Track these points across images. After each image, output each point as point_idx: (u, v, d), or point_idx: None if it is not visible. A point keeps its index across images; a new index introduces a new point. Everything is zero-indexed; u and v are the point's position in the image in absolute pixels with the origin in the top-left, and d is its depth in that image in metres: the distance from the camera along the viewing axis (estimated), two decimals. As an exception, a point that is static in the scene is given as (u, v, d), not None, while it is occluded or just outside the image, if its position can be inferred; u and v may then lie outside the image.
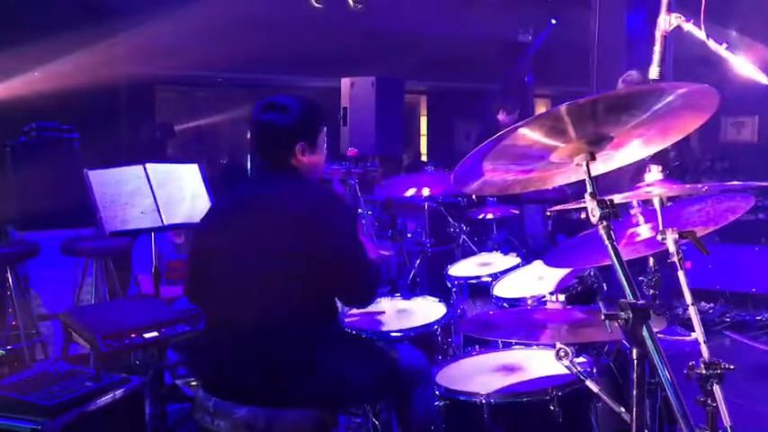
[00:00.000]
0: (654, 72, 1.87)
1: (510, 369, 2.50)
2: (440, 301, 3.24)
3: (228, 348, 2.22)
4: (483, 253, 4.18)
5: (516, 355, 2.65)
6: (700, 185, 2.20)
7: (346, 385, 2.20)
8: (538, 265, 3.43)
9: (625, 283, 1.37)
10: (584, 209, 1.46)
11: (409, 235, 5.48)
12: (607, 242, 1.41)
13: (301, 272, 2.15)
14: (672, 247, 1.82)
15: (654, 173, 1.99)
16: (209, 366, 2.30)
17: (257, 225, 2.24)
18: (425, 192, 4.09)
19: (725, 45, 1.81)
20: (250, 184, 2.44)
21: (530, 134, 1.44)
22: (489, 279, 3.46)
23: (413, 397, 2.41)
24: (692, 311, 1.83)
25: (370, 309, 3.18)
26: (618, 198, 1.82)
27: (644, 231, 2.17)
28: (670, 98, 1.40)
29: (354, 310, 3.03)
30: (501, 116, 6.23)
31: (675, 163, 3.97)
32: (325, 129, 2.43)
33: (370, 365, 2.32)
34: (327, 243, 2.17)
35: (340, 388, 2.19)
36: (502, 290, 3.29)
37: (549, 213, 6.12)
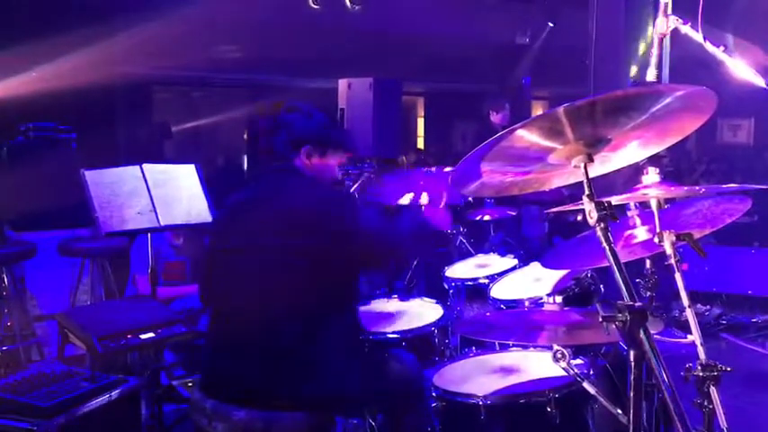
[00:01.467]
0: (651, 74, 1.88)
1: (507, 371, 2.50)
2: (437, 303, 3.24)
3: (230, 347, 2.23)
4: (480, 254, 4.18)
5: (513, 356, 2.65)
6: (697, 187, 2.20)
7: (342, 393, 2.20)
8: (535, 266, 3.43)
9: (623, 285, 1.37)
10: (582, 210, 1.46)
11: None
12: (605, 244, 1.41)
13: (306, 267, 2.17)
14: (669, 250, 1.83)
15: (651, 175, 1.99)
16: (210, 365, 2.31)
17: (261, 222, 2.27)
18: (423, 199, 4.07)
19: (722, 48, 1.81)
20: (255, 182, 2.49)
21: (528, 136, 1.44)
22: (486, 281, 3.46)
23: (410, 410, 2.41)
24: (689, 313, 1.83)
25: (368, 309, 3.18)
26: (615, 200, 1.82)
27: (641, 233, 2.17)
28: (668, 100, 1.40)
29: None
30: (493, 117, 6.23)
31: (669, 168, 3.95)
32: (339, 153, 2.50)
33: (369, 376, 2.32)
34: (334, 233, 2.19)
35: (336, 395, 2.19)
36: (499, 291, 3.29)
37: (547, 215, 6.13)
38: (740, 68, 1.81)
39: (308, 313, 2.18)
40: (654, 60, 1.89)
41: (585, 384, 2.02)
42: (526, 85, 10.39)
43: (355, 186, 4.48)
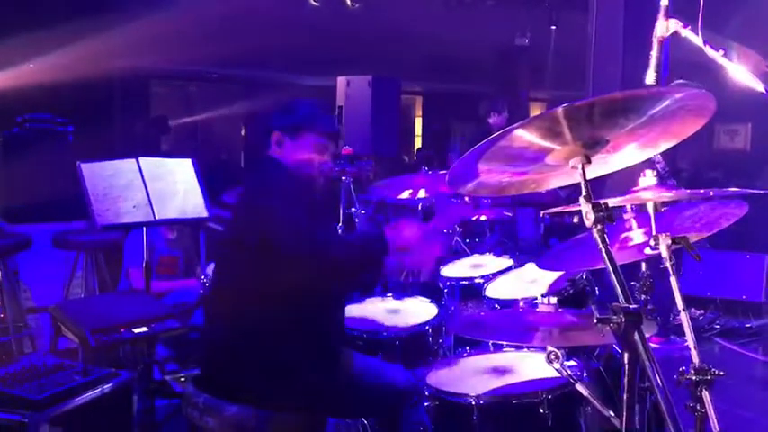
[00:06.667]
0: (650, 77, 1.87)
1: (500, 371, 2.50)
2: (431, 302, 3.23)
3: (218, 347, 2.24)
4: (476, 254, 4.18)
5: (507, 357, 2.65)
6: (688, 191, 2.19)
7: (329, 398, 2.20)
8: (530, 267, 3.43)
9: (618, 287, 1.37)
10: (579, 212, 1.46)
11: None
12: (601, 246, 1.41)
13: (273, 265, 2.10)
14: (664, 253, 1.82)
15: (648, 177, 1.99)
16: (202, 360, 2.33)
17: (241, 218, 2.29)
18: (421, 193, 4.08)
19: (722, 52, 1.81)
20: (246, 175, 2.49)
21: (526, 136, 1.43)
22: (481, 281, 3.46)
23: (400, 415, 2.40)
24: (684, 317, 1.83)
25: (363, 307, 3.18)
26: (612, 202, 1.82)
27: (637, 236, 2.17)
28: (666, 103, 1.40)
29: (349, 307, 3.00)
30: (491, 119, 6.22)
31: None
32: (314, 133, 2.30)
33: (359, 384, 2.31)
34: (268, 231, 2.09)
35: (323, 400, 2.19)
36: (494, 291, 3.29)
37: (542, 215, 6.13)
38: (740, 73, 1.81)
39: (287, 313, 2.15)
40: (653, 63, 1.89)
41: (578, 386, 2.02)
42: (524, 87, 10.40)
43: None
